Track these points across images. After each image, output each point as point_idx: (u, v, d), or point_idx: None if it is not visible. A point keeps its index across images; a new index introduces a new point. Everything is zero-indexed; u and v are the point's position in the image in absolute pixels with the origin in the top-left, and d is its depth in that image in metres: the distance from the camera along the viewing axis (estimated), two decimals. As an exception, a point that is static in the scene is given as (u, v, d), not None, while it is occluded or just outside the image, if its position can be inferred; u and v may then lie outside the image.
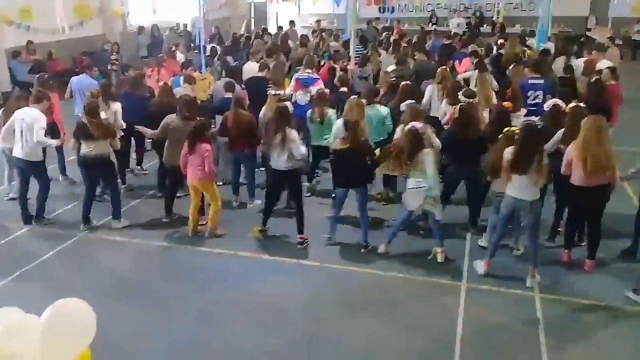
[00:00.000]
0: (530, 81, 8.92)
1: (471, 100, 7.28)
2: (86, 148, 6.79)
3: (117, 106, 7.82)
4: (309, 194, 7.91)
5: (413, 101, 7.16)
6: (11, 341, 2.49)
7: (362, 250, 6.51)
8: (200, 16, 11.27)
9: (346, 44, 12.91)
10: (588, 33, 20.68)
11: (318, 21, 20.59)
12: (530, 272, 5.80)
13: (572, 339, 5.05)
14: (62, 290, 5.57)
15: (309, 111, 7.92)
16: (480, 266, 6.03)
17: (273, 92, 8.08)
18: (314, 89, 8.62)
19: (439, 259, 6.27)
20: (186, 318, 5.33)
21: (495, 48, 12.94)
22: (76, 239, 6.88)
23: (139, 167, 9.10)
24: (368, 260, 6.32)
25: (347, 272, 6.11)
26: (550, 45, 12.54)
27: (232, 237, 6.86)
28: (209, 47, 13.29)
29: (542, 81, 8.86)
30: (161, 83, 9.43)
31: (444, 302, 5.56)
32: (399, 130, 6.87)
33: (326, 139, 7.52)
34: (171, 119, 7.20)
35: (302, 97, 8.56)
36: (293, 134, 6.54)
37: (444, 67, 9.29)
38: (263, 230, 6.84)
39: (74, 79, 9.51)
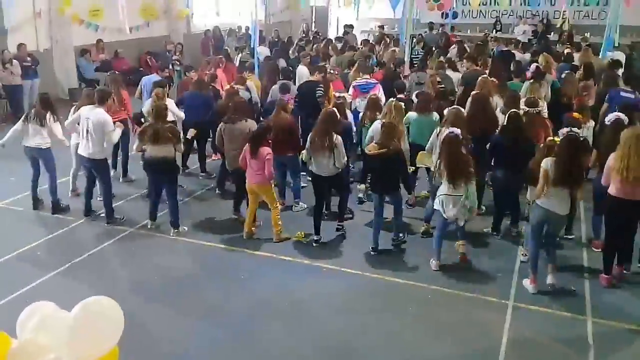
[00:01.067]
0: (621, 93, 8.60)
1: (532, 109, 7.14)
2: (152, 151, 6.82)
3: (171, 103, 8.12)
4: (365, 200, 7.77)
5: (457, 107, 7.05)
6: (42, 335, 2.54)
7: (393, 241, 6.68)
8: (255, 19, 11.18)
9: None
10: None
11: (381, 26, 20.39)
12: (551, 270, 5.80)
13: (624, 368, 4.76)
14: (107, 285, 5.79)
15: (361, 115, 7.86)
16: (528, 284, 5.79)
17: (338, 94, 8.12)
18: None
19: (461, 250, 6.28)
20: (224, 320, 5.35)
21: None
22: (127, 234, 7.06)
23: (203, 173, 9.12)
24: (412, 271, 6.19)
25: (389, 283, 5.98)
26: (619, 55, 11.91)
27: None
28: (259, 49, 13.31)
29: (632, 95, 8.47)
30: (227, 86, 9.66)
31: (489, 320, 5.35)
32: (433, 135, 6.85)
33: None
34: (223, 123, 7.33)
35: (361, 104, 8.52)
36: (339, 139, 6.54)
37: (485, 76, 8.98)
38: (318, 241, 6.78)
39: (145, 78, 9.79)
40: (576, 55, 12.56)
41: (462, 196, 5.89)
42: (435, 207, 6.16)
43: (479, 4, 15.66)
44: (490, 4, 22.00)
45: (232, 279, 6.05)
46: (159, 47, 16.36)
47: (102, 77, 13.57)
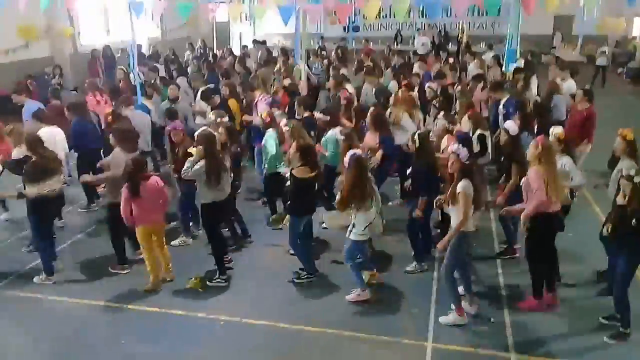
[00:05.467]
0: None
1: None
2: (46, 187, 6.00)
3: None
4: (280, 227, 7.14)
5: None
6: None
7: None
8: (133, 36, 10.20)
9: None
10: (553, 51, 20.48)
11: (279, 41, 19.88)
12: (470, 297, 5.52)
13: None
14: None
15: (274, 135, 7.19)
16: (456, 316, 5.31)
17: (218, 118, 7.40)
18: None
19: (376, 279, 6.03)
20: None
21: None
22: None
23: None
24: (317, 317, 5.49)
25: (293, 333, 5.27)
26: (520, 63, 12.05)
27: (166, 289, 6.04)
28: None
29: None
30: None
31: (407, 367, 4.81)
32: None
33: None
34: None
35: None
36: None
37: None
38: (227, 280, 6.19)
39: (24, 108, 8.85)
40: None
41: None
42: (363, 238, 5.62)
43: (376, 17, 15.43)
44: (390, 16, 22.12)
45: (109, 347, 5.09)
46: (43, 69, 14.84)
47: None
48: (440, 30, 22.71)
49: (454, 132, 7.03)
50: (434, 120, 7.81)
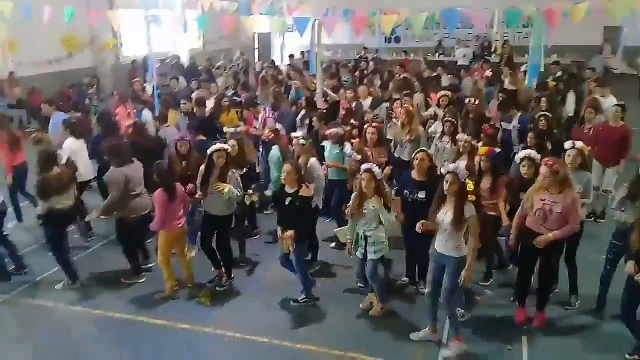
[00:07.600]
0: None
1: None
2: (58, 202, 5.99)
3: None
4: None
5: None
6: None
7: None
8: (149, 50, 10.37)
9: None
10: (603, 61, 19.66)
11: (302, 52, 19.69)
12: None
13: None
14: None
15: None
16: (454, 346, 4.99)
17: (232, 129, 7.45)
18: None
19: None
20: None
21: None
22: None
23: None
24: (323, 337, 5.30)
25: (298, 352, 5.09)
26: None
27: (176, 300, 6.02)
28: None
29: None
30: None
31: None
32: None
33: None
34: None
35: None
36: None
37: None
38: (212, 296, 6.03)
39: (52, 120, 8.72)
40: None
41: None
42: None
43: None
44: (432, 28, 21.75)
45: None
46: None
47: (16, 115, 12.55)
48: (483, 42, 22.20)
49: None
50: (440, 138, 7.44)
